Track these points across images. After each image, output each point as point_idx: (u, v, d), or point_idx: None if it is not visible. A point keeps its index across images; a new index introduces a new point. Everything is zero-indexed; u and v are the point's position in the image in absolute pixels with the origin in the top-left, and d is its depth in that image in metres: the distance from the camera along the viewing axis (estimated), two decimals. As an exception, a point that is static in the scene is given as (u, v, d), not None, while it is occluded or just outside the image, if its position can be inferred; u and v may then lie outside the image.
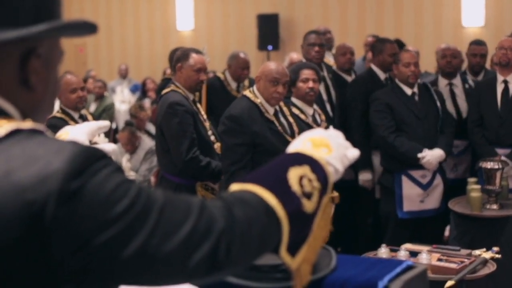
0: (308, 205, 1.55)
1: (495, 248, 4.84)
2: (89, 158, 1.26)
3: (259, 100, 5.06)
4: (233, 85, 7.20)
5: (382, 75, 6.84)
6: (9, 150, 1.27)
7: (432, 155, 6.02)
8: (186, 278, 1.35)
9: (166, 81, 7.11)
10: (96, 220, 1.23)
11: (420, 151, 6.01)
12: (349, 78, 7.31)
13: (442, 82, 6.88)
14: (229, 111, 5.05)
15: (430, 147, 6.07)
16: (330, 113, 6.66)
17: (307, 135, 1.70)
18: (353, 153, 1.73)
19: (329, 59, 7.68)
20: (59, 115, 5.50)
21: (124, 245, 1.25)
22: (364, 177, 6.67)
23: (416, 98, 6.25)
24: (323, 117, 5.84)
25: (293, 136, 5.09)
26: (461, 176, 6.72)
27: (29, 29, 1.34)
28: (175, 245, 1.29)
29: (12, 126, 1.30)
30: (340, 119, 6.73)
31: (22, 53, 1.36)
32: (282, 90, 5.07)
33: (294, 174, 1.55)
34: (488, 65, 7.73)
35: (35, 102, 1.42)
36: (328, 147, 1.67)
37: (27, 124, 1.33)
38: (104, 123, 1.97)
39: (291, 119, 5.26)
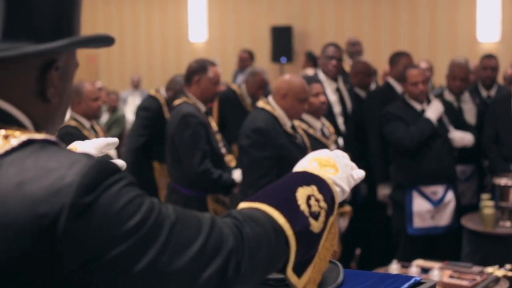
0: (315, 225, 1.56)
1: (508, 266, 4.81)
2: (102, 172, 1.26)
3: (277, 112, 5.02)
4: (248, 100, 7.16)
5: (399, 88, 6.80)
6: (22, 161, 1.26)
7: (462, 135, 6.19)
8: None
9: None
10: (107, 235, 1.23)
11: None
12: (363, 94, 7.28)
13: (449, 98, 6.83)
14: (254, 124, 4.98)
15: (444, 164, 6.05)
16: (342, 126, 6.62)
17: (314, 155, 1.73)
18: (359, 173, 1.76)
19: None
20: (73, 123, 5.50)
21: (135, 260, 1.24)
22: (383, 191, 6.60)
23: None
24: (331, 129, 5.82)
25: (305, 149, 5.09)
26: (469, 201, 6.65)
27: (50, 44, 1.36)
28: (185, 262, 1.29)
29: (25, 137, 1.30)
30: (352, 133, 6.69)
31: (42, 65, 1.38)
32: (306, 107, 5.12)
33: (302, 194, 1.57)
34: (500, 79, 7.71)
35: (49, 114, 1.43)
36: (334, 167, 1.69)
37: (40, 135, 1.33)
38: (113, 140, 1.98)
39: (301, 132, 5.26)
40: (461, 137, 6.22)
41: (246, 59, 11.67)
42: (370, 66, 7.49)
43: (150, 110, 6.64)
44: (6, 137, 1.30)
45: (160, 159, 6.53)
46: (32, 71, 1.37)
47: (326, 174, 1.65)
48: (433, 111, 6.13)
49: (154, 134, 6.53)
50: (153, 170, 6.61)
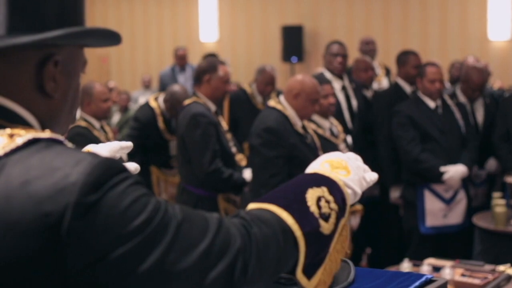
0: (326, 227, 1.54)
1: (520, 264, 4.79)
2: (107, 171, 1.25)
3: (288, 112, 5.01)
4: (259, 98, 7.20)
5: (408, 88, 6.77)
6: (27, 159, 1.26)
7: (455, 171, 5.95)
8: None
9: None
10: (113, 234, 1.22)
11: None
12: (368, 93, 7.24)
13: (462, 99, 6.76)
14: (265, 123, 4.97)
15: (454, 161, 6.02)
16: (349, 124, 6.61)
17: (325, 157, 1.71)
18: (372, 176, 1.74)
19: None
20: (83, 124, 5.50)
21: (140, 260, 1.23)
22: (395, 193, 6.57)
23: (440, 111, 6.20)
24: (339, 128, 5.81)
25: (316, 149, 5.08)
26: (480, 203, 6.59)
27: (44, 34, 1.34)
28: (192, 262, 1.28)
29: (30, 135, 1.29)
30: (360, 132, 6.67)
31: (39, 59, 1.37)
32: (317, 107, 5.13)
33: (312, 195, 1.55)
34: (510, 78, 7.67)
35: (53, 111, 1.42)
36: (346, 169, 1.67)
37: (46, 134, 1.32)
38: (127, 144, 1.97)
39: (311, 132, 5.25)
40: (456, 172, 6.03)
41: (183, 57, 11.63)
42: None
43: (139, 121, 6.69)
44: (11, 135, 1.29)
45: (158, 165, 6.59)
46: (31, 65, 1.37)
47: (337, 176, 1.64)
48: (454, 171, 6.00)
49: (148, 142, 6.58)
50: (150, 175, 6.64)
